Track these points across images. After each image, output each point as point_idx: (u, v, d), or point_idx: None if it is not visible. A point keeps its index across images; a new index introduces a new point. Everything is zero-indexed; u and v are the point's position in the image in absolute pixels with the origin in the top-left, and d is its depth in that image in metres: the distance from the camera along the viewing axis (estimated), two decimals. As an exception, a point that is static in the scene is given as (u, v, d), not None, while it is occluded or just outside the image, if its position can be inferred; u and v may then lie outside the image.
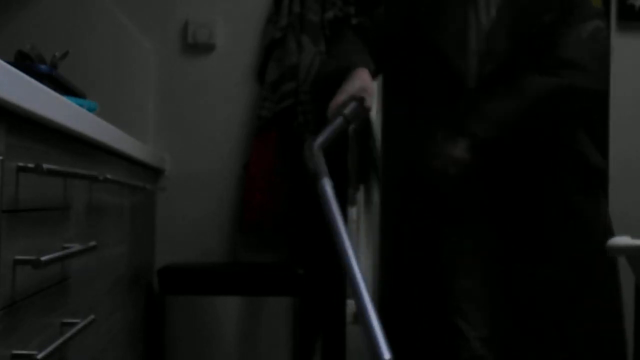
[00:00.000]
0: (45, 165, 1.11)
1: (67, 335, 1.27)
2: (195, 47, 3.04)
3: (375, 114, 5.53)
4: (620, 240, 1.76)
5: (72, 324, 1.37)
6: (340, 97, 1.68)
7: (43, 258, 1.09)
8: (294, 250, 3.00)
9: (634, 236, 1.79)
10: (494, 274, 1.81)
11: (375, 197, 5.06)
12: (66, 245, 1.37)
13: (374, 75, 1.81)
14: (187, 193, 3.01)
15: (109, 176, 1.70)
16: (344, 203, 3.22)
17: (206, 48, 3.04)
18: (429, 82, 1.83)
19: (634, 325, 2.76)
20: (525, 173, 1.83)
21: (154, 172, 2.84)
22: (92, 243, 1.47)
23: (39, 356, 1.09)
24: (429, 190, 1.84)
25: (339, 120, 1.65)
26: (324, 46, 2.94)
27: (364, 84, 1.70)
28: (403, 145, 1.91)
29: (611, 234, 1.88)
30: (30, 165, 1.09)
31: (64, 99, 1.28)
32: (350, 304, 5.94)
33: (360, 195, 5.89)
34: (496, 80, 1.78)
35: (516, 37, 1.79)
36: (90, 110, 1.91)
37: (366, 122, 5.73)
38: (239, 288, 2.67)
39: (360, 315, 1.38)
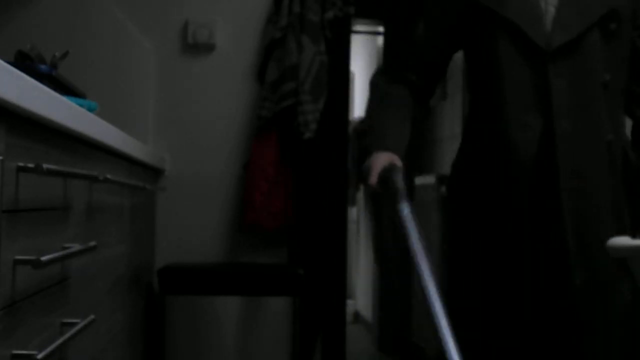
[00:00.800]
0: (45, 165, 1.11)
1: (67, 335, 1.27)
2: (195, 47, 3.04)
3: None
4: (620, 240, 1.75)
5: (72, 324, 1.37)
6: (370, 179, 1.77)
7: (43, 258, 1.09)
8: (294, 250, 3.00)
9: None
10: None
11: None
12: (66, 245, 1.37)
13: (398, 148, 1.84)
14: (187, 193, 3.01)
15: (109, 176, 1.70)
16: (344, 203, 3.23)
17: (206, 48, 3.04)
18: (509, 58, 1.81)
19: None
20: None
21: (154, 172, 2.84)
22: (92, 243, 1.47)
23: (39, 356, 1.09)
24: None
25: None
26: (324, 46, 2.95)
27: (374, 166, 1.77)
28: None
29: None
30: (30, 165, 1.09)
31: (64, 99, 1.28)
32: (350, 304, 5.95)
33: (360, 195, 5.90)
34: (572, 47, 1.77)
35: (585, 15, 1.78)
36: (90, 110, 1.91)
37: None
38: (239, 288, 2.67)
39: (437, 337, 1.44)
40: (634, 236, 1.77)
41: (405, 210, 1.62)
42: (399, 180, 1.67)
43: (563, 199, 1.75)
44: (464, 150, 1.93)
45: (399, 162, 1.77)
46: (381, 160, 1.77)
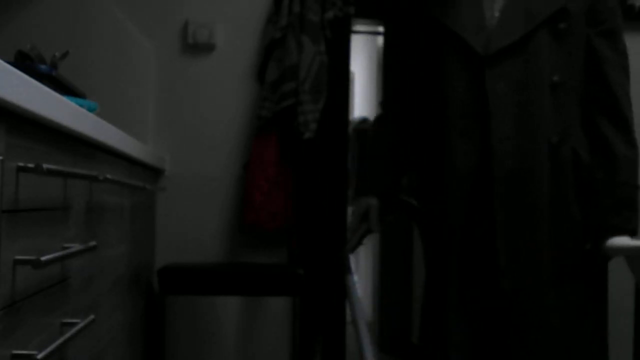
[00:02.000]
0: (45, 165, 1.11)
1: (67, 335, 1.27)
2: (195, 47, 3.04)
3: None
4: (620, 240, 1.75)
5: (72, 324, 1.37)
6: (352, 224, 2.02)
7: (43, 258, 1.09)
8: (294, 250, 3.00)
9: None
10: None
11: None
12: (66, 245, 1.37)
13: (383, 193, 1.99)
14: (187, 193, 3.01)
15: (109, 176, 1.70)
16: (344, 203, 3.23)
17: (206, 48, 3.04)
18: (451, 68, 1.81)
19: (634, 326, 2.76)
20: None
21: (154, 172, 2.84)
22: (92, 243, 1.47)
23: (39, 356, 1.09)
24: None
25: (361, 231, 2.01)
26: (324, 46, 2.95)
27: (361, 211, 1.99)
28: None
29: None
30: (30, 165, 1.09)
31: (64, 99, 1.28)
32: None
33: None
34: (516, 50, 1.76)
35: (530, 17, 1.77)
36: (90, 110, 1.91)
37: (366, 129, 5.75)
38: (239, 288, 2.67)
39: None
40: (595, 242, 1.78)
41: (352, 281, 1.99)
42: (347, 257, 2.01)
43: (496, 203, 1.75)
44: (421, 161, 1.97)
45: (373, 202, 1.96)
46: (358, 209, 1.98)
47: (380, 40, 5.15)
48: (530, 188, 1.75)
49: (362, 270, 5.99)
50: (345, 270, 2.00)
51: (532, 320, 1.76)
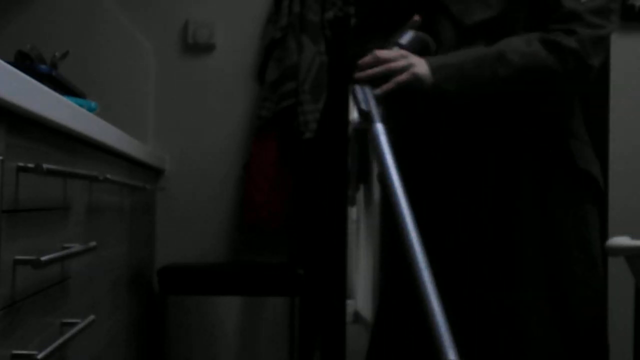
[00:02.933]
0: (45, 165, 1.11)
1: (67, 335, 1.27)
2: (195, 47, 3.04)
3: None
4: (620, 240, 1.75)
5: (72, 324, 1.37)
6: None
7: (43, 258, 1.09)
8: (294, 250, 3.00)
9: (633, 236, 1.79)
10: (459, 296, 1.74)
11: (376, 197, 5.07)
12: (66, 245, 1.37)
13: None
14: (187, 193, 3.01)
15: (109, 176, 1.70)
16: (344, 203, 3.23)
17: (206, 48, 3.04)
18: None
19: (633, 325, 2.76)
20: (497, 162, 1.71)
21: (154, 172, 2.84)
22: (92, 243, 1.47)
23: (39, 356, 1.09)
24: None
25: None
26: (324, 46, 2.95)
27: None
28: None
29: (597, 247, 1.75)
30: (30, 165, 1.10)
31: (64, 99, 1.28)
32: (350, 304, 5.97)
33: (360, 195, 5.90)
34: (493, 24, 1.72)
35: None
36: (90, 110, 1.92)
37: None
38: (239, 288, 2.67)
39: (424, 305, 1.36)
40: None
41: (380, 132, 1.45)
42: (373, 101, 1.49)
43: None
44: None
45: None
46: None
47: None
48: (514, 170, 1.72)
49: (362, 270, 5.99)
50: (371, 116, 1.44)
51: (525, 316, 1.73)
